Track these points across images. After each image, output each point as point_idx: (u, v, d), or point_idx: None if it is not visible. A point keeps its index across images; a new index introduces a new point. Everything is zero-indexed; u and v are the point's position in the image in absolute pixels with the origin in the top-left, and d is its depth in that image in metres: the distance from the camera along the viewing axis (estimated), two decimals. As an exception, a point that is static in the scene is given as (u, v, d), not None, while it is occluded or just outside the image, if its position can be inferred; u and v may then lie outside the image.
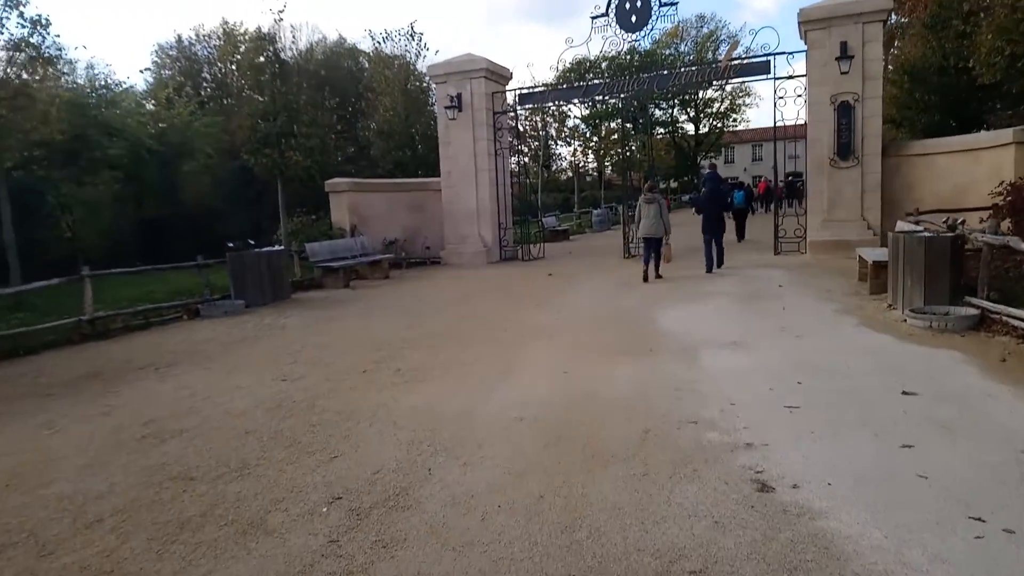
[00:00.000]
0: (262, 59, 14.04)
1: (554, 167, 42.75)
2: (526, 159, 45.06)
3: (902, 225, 9.38)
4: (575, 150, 39.18)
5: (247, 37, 13.77)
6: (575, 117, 46.69)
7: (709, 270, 11.32)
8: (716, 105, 50.38)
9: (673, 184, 50.19)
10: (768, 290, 9.22)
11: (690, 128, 50.90)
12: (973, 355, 5.27)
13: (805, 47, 12.91)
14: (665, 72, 14.38)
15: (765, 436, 3.84)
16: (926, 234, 6.91)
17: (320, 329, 8.30)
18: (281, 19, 15.08)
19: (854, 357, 5.43)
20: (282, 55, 14.97)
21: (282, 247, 11.61)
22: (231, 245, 11.06)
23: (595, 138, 44.15)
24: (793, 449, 3.65)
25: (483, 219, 15.66)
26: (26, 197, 14.43)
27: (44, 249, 15.05)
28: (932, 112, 13.14)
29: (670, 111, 49.68)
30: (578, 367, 5.61)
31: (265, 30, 14.28)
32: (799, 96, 13.07)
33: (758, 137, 62.12)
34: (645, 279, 10.52)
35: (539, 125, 33.95)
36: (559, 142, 37.04)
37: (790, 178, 40.43)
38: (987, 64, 8.31)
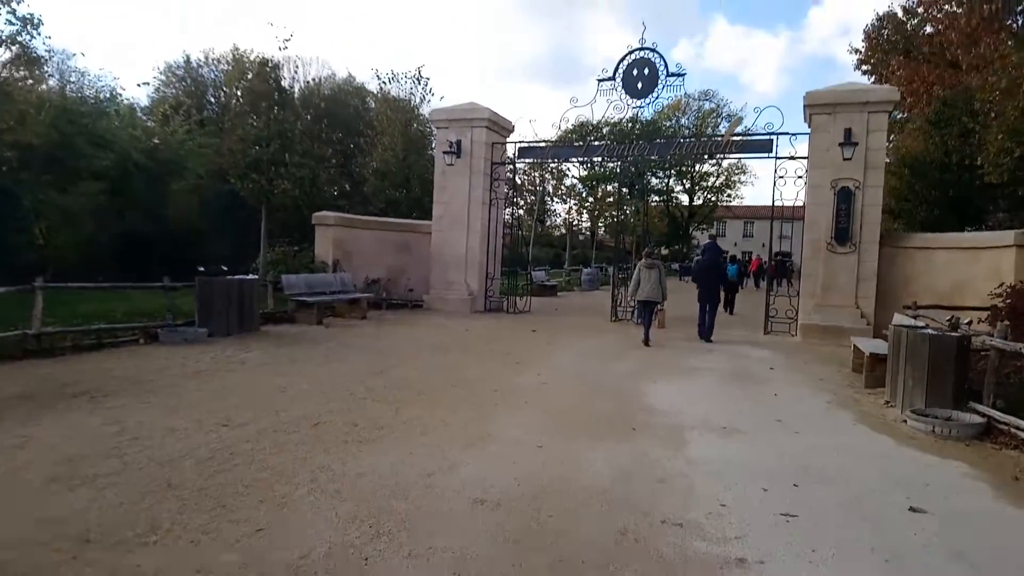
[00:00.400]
0: (264, 85, 13.80)
1: (548, 222, 42.86)
2: (521, 211, 45.32)
3: (900, 318, 9.07)
4: (570, 207, 39.31)
5: (254, 63, 13.58)
6: (573, 176, 47.51)
7: (701, 336, 11.66)
8: (712, 179, 51.30)
9: (664, 251, 50.42)
10: (759, 372, 8.81)
11: (684, 199, 51.63)
12: (982, 470, 4.82)
13: (808, 130, 12.92)
14: (666, 141, 14.32)
15: (760, 550, 3.33)
16: (930, 331, 6.56)
17: (281, 368, 7.72)
18: (286, 47, 15.10)
19: (853, 460, 4.96)
20: (283, 83, 14.74)
21: (255, 276, 11.06)
22: (201, 269, 10.54)
23: (591, 199, 44.55)
24: (792, 571, 3.14)
25: (471, 267, 15.28)
26: (-3, 198, 13.90)
27: (14, 254, 14.43)
28: (931, 206, 13.11)
29: (666, 180, 50.48)
30: (555, 442, 5.09)
31: (271, 57, 14.10)
32: (799, 177, 13.01)
33: (750, 214, 63.20)
34: (646, 342, 10.65)
35: (537, 180, 34.11)
36: (555, 199, 37.14)
37: (779, 258, 40.95)
38: (995, 164, 8.19)
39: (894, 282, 12.33)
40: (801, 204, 12.89)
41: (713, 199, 52.11)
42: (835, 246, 12.36)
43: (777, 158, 13.07)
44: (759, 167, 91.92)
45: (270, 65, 13.92)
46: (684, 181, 50.98)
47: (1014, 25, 18.35)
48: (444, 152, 15.09)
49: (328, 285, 12.86)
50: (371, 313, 13.77)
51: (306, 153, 14.42)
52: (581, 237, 48.29)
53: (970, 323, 7.31)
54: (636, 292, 11.08)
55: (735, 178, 51.73)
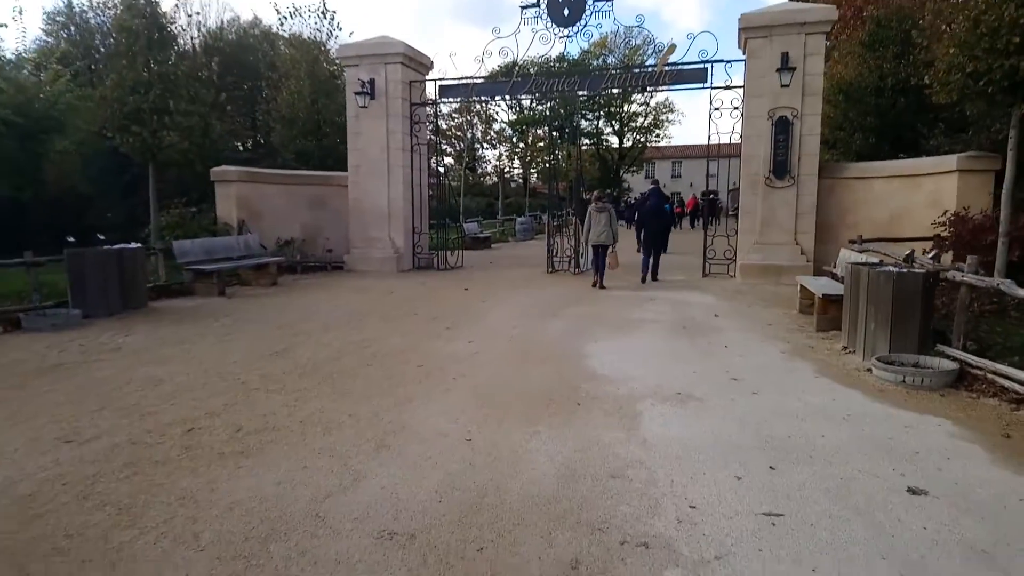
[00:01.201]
0: (138, 20, 11.81)
1: (479, 170, 41.42)
2: (449, 159, 43.55)
3: (847, 254, 8.63)
4: (500, 154, 37.95)
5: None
6: (502, 122, 45.90)
7: (644, 280, 11.96)
8: (640, 120, 50.77)
9: (593, 195, 49.89)
10: (705, 320, 8.20)
11: (614, 141, 51.03)
12: (967, 427, 4.29)
13: (744, 56, 12.18)
14: (596, 73, 13.31)
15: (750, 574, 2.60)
16: (891, 268, 6.01)
17: (163, 354, 6.52)
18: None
19: (825, 425, 4.34)
20: (166, 20, 12.74)
21: (140, 244, 9.58)
22: (71, 240, 9.00)
23: (521, 144, 43.26)
24: (794, 607, 2.42)
25: (395, 221, 14.07)
26: None
27: None
28: (867, 134, 12.70)
29: (596, 123, 49.68)
30: (487, 431, 4.23)
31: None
32: (735, 108, 12.34)
33: (679, 154, 63.60)
34: (597, 286, 11.03)
35: (464, 125, 32.52)
36: (485, 145, 35.68)
37: (711, 196, 41.13)
38: (943, 82, 7.60)
39: (832, 215, 11.99)
40: (731, 141, 12.25)
41: (642, 140, 51.68)
42: (773, 180, 11.86)
43: (712, 88, 12.35)
44: (687, 104, 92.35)
45: (142, -2, 11.89)
46: (613, 123, 50.32)
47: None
48: (356, 93, 13.59)
49: (230, 250, 11.45)
50: (283, 279, 12.47)
51: (194, 99, 12.60)
52: (513, 185, 47.14)
53: (935, 256, 6.86)
54: (588, 236, 11.27)
55: (663, 117, 51.35)
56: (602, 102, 49.11)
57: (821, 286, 7.93)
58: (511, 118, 45.29)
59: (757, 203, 12.04)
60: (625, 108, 49.79)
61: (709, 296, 10.29)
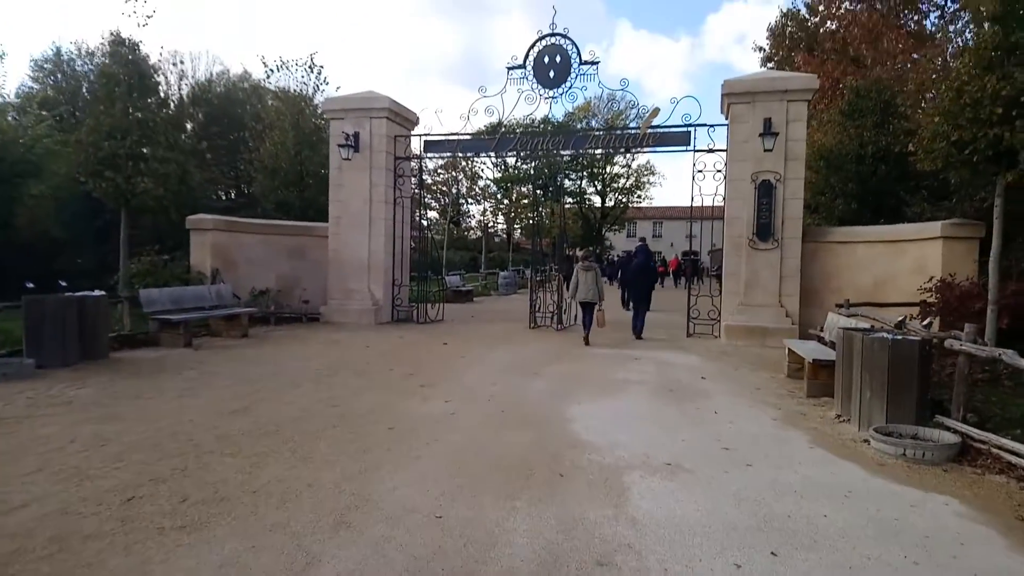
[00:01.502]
0: (119, 67, 11.71)
1: (463, 224, 41.60)
2: (434, 213, 43.77)
3: (835, 318, 8.48)
4: (485, 209, 38.21)
5: (104, 42, 11.55)
6: (487, 179, 46.52)
7: (637, 336, 12.24)
8: (622, 180, 51.84)
9: (579, 253, 50.29)
10: (691, 383, 7.93)
11: (597, 201, 51.89)
12: (976, 508, 3.99)
13: (727, 121, 12.37)
14: (580, 134, 13.44)
15: None
16: (886, 335, 5.82)
17: (115, 410, 6.05)
18: (146, 24, 12.99)
19: (829, 503, 4.03)
20: (146, 68, 12.66)
21: (101, 292, 9.17)
22: (29, 285, 8.58)
23: (506, 200, 43.75)
24: None
25: (375, 273, 13.79)
26: None
27: None
28: (849, 199, 12.85)
29: (579, 182, 50.60)
30: (460, 506, 3.85)
31: (128, 36, 12.01)
32: (718, 171, 12.44)
33: (660, 215, 64.82)
34: (586, 342, 11.11)
35: (449, 180, 32.78)
36: (469, 200, 35.94)
37: (691, 257, 41.70)
38: (928, 150, 7.64)
39: (815, 279, 11.95)
40: (713, 204, 12.28)
41: (624, 200, 52.60)
42: (757, 242, 11.84)
43: (695, 151, 12.45)
44: (668, 166, 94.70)
45: (127, 43, 11.84)
46: (596, 183, 51.34)
47: (910, 23, 18.88)
48: (340, 145, 13.51)
49: (201, 299, 11.04)
50: (256, 330, 12.04)
51: (173, 147, 12.41)
52: (497, 239, 47.36)
53: (903, 320, 6.71)
54: (575, 294, 11.44)
55: (644, 179, 52.49)
56: (585, 163, 50.21)
57: (810, 351, 7.72)
58: (496, 176, 46.07)
59: (741, 265, 11.98)
60: (608, 169, 50.92)
61: (694, 357, 10.05)
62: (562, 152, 14.35)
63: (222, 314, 10.92)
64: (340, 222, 13.87)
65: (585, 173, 50.10)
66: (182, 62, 25.07)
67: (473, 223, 42.56)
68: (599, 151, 15.68)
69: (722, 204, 12.22)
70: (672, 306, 16.78)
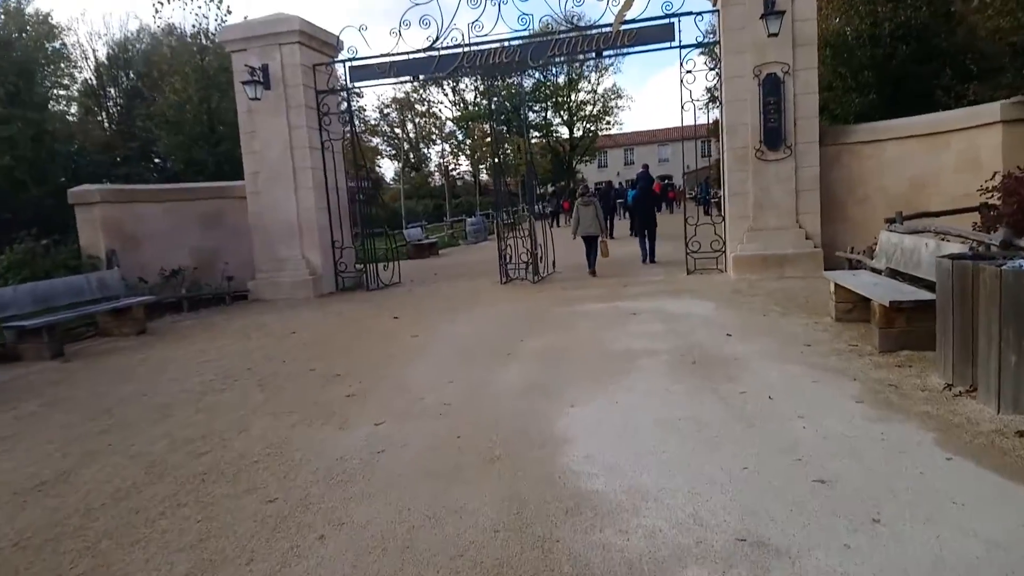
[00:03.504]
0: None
1: (422, 169, 38.75)
2: (387, 160, 40.68)
3: (894, 239, 6.44)
4: (443, 150, 35.35)
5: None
6: (445, 118, 43.27)
7: (644, 260, 12.42)
8: (589, 108, 48.96)
9: (551, 188, 47.78)
10: (717, 344, 5.90)
11: (565, 132, 49.12)
12: None
13: (717, 7, 9.99)
14: (541, 39, 10.96)
15: None
16: (1016, 264, 3.77)
17: None
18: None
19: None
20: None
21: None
22: None
23: (468, 140, 40.85)
24: None
25: (308, 235, 11.44)
26: None
27: None
28: (865, 91, 10.66)
29: (544, 114, 47.63)
30: None
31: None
32: (711, 70, 10.18)
33: (630, 141, 62.01)
34: (592, 274, 11.35)
35: (402, 119, 29.83)
36: (425, 142, 33.07)
37: (665, 182, 39.44)
38: (1003, 11, 5.44)
39: (838, 189, 9.91)
40: (695, 122, 10.04)
41: (593, 129, 49.80)
42: (766, 152, 9.69)
43: (681, 47, 10.09)
44: (636, 86, 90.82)
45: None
46: (562, 113, 48.42)
47: None
48: (244, 83, 10.89)
49: (78, 293, 8.66)
50: (163, 321, 9.77)
51: (16, 100, 9.71)
52: (460, 183, 44.59)
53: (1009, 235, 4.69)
54: (576, 229, 11.53)
55: (612, 103, 49.61)
56: (549, 92, 47.13)
57: (872, 286, 5.71)
58: (455, 114, 42.85)
59: (748, 181, 9.86)
60: (573, 97, 47.92)
61: (706, 302, 8.04)
62: (519, 65, 11.85)
63: (107, 308, 8.58)
64: (258, 177, 11.40)
65: (550, 103, 47.18)
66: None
67: (432, 167, 39.62)
68: (563, 58, 13.19)
69: (695, 123, 9.97)
70: (661, 234, 14.73)
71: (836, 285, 6.40)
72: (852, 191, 9.77)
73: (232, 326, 9.02)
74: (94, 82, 23.96)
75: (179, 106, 13.63)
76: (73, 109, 24.57)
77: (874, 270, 6.73)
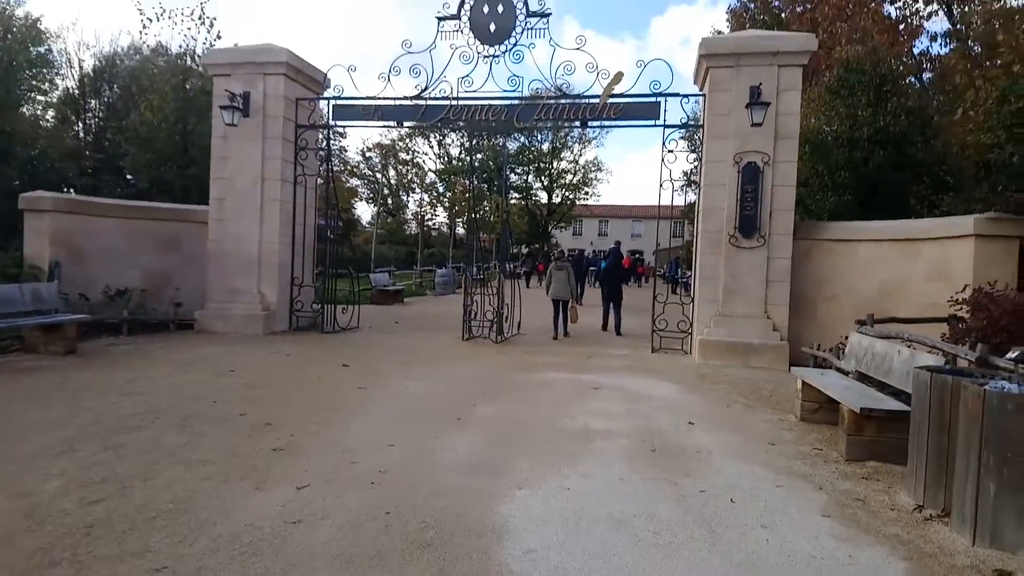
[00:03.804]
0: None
1: (399, 216, 38.61)
2: (365, 204, 40.43)
3: (865, 342, 6.32)
4: (421, 200, 35.35)
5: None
6: (428, 170, 43.60)
7: (604, 328, 12.96)
8: (569, 176, 50.04)
9: (525, 250, 48.09)
10: (679, 433, 5.60)
11: (544, 197, 49.95)
12: None
13: (704, 91, 10.18)
14: (529, 102, 11.02)
15: None
16: (1014, 388, 3.59)
17: None
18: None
19: None
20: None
21: None
22: None
23: (449, 193, 41.08)
24: None
25: (267, 269, 10.97)
26: None
27: None
28: (840, 191, 10.87)
29: (525, 177, 48.45)
30: None
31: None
32: (693, 152, 10.30)
33: (606, 213, 63.33)
34: (555, 338, 11.58)
35: (383, 165, 29.81)
36: (404, 189, 33.04)
37: (635, 256, 40.05)
38: (993, 114, 5.55)
39: (807, 284, 9.91)
40: (672, 202, 10.08)
41: (572, 196, 50.73)
42: (740, 239, 9.69)
43: (666, 126, 10.22)
44: (617, 163, 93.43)
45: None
46: (543, 178, 49.39)
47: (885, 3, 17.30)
48: (223, 107, 10.61)
49: (7, 304, 7.99)
50: (98, 343, 9.13)
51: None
52: (435, 233, 44.53)
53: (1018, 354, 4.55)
54: (548, 291, 12.02)
55: (592, 175, 50.79)
56: (532, 157, 48.12)
57: (841, 390, 5.51)
58: (438, 167, 43.25)
59: (719, 266, 9.81)
60: (555, 164, 48.95)
61: (670, 384, 7.79)
62: (505, 124, 11.87)
63: (36, 323, 7.94)
64: (223, 204, 11.00)
65: (532, 167, 48.08)
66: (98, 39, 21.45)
67: (409, 215, 39.53)
68: (549, 123, 13.30)
69: (672, 203, 10.01)
70: (633, 307, 14.61)
71: (804, 383, 6.21)
72: (821, 288, 9.78)
73: (169, 356, 8.42)
74: (76, 91, 23.58)
75: (154, 124, 13.25)
76: (50, 115, 24.11)
77: (841, 371, 6.58)
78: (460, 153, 42.10)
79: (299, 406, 6.03)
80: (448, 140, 42.67)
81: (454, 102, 10.78)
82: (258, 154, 10.86)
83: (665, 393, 7.28)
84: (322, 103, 11.64)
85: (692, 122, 10.38)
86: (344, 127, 12.95)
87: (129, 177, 16.08)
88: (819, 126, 11.44)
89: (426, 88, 10.82)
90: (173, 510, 3.56)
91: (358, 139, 51.45)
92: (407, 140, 40.25)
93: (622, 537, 3.44)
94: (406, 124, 11.44)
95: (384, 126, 12.61)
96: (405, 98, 10.95)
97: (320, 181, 11.98)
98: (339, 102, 11.24)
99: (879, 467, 4.81)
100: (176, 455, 4.49)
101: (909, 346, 5.48)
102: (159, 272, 11.24)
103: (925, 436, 4.01)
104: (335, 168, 12.98)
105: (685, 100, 10.27)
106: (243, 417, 5.53)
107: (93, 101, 23.27)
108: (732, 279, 9.72)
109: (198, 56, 13.60)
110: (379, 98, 10.94)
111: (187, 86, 13.55)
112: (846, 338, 8.29)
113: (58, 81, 22.76)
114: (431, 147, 43.52)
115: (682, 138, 11.32)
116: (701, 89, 10.44)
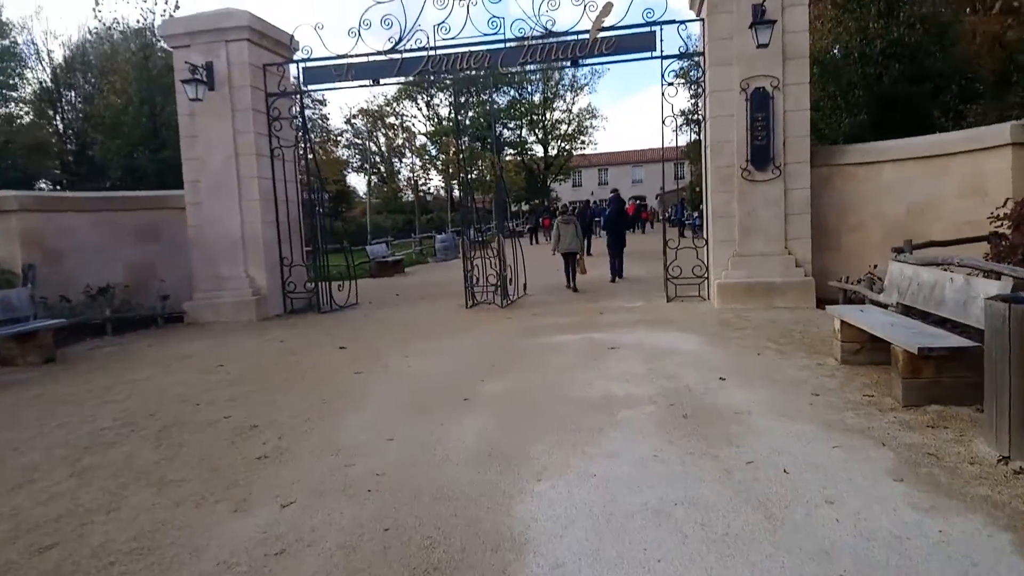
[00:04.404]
0: None
1: (393, 184, 37.69)
2: (356, 172, 39.41)
3: (904, 269, 5.67)
4: (413, 165, 34.39)
5: None
6: (418, 132, 42.39)
7: (613, 280, 12.77)
8: (564, 127, 48.66)
9: (525, 207, 47.08)
10: (708, 392, 5.03)
11: (539, 150, 48.66)
12: None
13: (702, 15, 9.31)
14: (513, 45, 10.16)
15: None
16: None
17: None
18: None
19: None
20: None
21: None
22: None
23: (442, 155, 40.01)
24: None
25: (253, 251, 10.36)
26: None
27: None
28: (855, 111, 10.05)
29: (519, 132, 47.12)
30: None
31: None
32: (695, 82, 9.48)
33: (605, 161, 61.91)
34: (573, 289, 11.58)
35: (370, 132, 28.84)
36: (398, 153, 32.09)
37: (637, 202, 38.99)
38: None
39: (829, 214, 9.23)
40: (661, 143, 9.35)
41: (567, 147, 49.42)
42: (753, 172, 8.97)
43: (664, 57, 9.38)
44: (610, 107, 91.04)
45: None
46: (536, 131, 47.98)
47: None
48: (185, 82, 9.82)
49: (-28, 314, 7.47)
50: (81, 346, 8.62)
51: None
52: (431, 198, 43.62)
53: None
54: (557, 245, 11.88)
55: (587, 123, 49.36)
56: (524, 110, 46.66)
57: (888, 328, 4.90)
58: (428, 129, 41.98)
59: (733, 203, 9.12)
60: (548, 116, 47.55)
61: (691, 335, 7.21)
62: (489, 71, 11.04)
63: (6, 334, 7.39)
64: (199, 187, 10.32)
65: (524, 121, 46.71)
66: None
67: (402, 182, 38.57)
68: (537, 65, 12.48)
69: (676, 143, 9.33)
70: (639, 256, 14.04)
71: (842, 323, 5.60)
72: (844, 217, 9.09)
73: (155, 355, 7.89)
74: (51, 84, 22.65)
75: (119, 108, 12.47)
76: (25, 110, 23.22)
77: (878, 304, 5.96)
78: (449, 113, 40.87)
79: (289, 401, 5.49)
80: (436, 100, 41.38)
81: (432, 52, 9.96)
82: (228, 129, 10.13)
83: (688, 346, 6.70)
84: (292, 67, 10.81)
85: (692, 52, 9.50)
86: (318, 91, 12.10)
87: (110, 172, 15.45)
88: (826, 45, 10.53)
89: (400, 40, 9.99)
90: (136, 549, 3.03)
91: (341, 105, 49.82)
92: (394, 104, 39.00)
93: (665, 534, 2.89)
94: (383, 81, 10.56)
95: (359, 86, 11.76)
96: (379, 53, 10.13)
97: (300, 152, 11.24)
98: (309, 64, 10.41)
99: (943, 411, 4.24)
100: (149, 475, 3.96)
101: (970, 272, 4.83)
102: (141, 265, 10.66)
103: (1007, 376, 3.41)
104: (317, 138, 12.21)
105: (683, 27, 9.39)
106: (227, 420, 4.99)
107: (71, 93, 22.38)
108: (748, 216, 9.04)
109: (158, 30, 12.72)
110: (351, 56, 10.11)
111: (149, 64, 12.67)
112: (875, 267, 7.69)
113: (28, 75, 21.87)
114: (419, 109, 42.28)
115: (678, 76, 10.45)
116: (699, 14, 9.57)
